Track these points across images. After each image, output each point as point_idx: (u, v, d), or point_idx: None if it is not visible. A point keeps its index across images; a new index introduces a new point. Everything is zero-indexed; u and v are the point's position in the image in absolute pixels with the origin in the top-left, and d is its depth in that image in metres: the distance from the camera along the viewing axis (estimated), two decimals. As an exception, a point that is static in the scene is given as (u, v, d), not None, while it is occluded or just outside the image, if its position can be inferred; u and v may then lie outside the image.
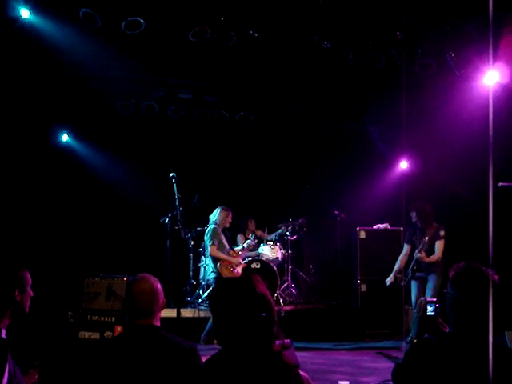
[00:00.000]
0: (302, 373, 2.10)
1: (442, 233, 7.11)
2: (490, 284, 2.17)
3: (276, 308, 2.18)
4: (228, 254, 7.77)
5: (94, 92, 8.74)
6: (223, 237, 7.81)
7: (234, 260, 7.77)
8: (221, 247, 7.67)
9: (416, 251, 7.06)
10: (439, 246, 7.07)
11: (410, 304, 7.46)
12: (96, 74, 8.29)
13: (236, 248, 8.16)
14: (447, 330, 2.87)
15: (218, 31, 7.24)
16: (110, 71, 8.41)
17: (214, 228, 7.67)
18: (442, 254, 7.04)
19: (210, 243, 7.58)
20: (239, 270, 7.81)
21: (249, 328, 2.04)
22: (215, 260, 7.61)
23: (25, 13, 6.69)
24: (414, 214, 7.33)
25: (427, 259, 7.00)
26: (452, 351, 2.28)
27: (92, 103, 8.86)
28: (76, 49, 7.23)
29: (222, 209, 7.80)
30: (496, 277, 2.35)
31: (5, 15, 6.64)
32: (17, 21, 6.71)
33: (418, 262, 7.11)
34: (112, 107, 8.93)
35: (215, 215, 7.77)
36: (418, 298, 7.07)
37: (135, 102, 8.93)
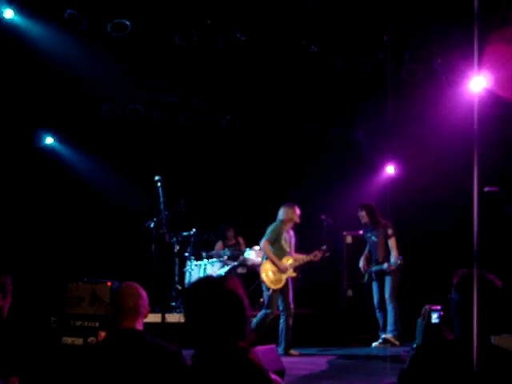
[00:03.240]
0: (273, 376, 2.07)
1: (389, 231, 7.44)
2: (475, 290, 2.16)
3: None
4: (282, 257, 7.07)
5: (79, 94, 8.64)
6: (287, 237, 7.12)
7: (280, 264, 6.96)
8: (276, 246, 7.02)
9: (385, 265, 7.35)
10: (392, 244, 7.41)
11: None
12: (81, 76, 8.21)
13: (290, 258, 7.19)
14: (451, 337, 2.88)
15: (205, 34, 7.21)
16: (95, 73, 8.32)
17: (278, 225, 7.07)
18: (397, 250, 7.38)
19: (265, 237, 7.03)
20: (283, 277, 6.97)
21: (217, 326, 1.99)
22: (264, 255, 7.16)
23: (8, 13, 6.60)
24: (363, 214, 7.61)
25: (393, 266, 7.29)
26: (459, 355, 2.29)
27: (77, 106, 8.76)
28: (61, 50, 7.17)
29: (287, 206, 7.14)
30: (499, 283, 2.39)
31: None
32: (0, 21, 6.64)
33: (377, 263, 7.48)
34: (97, 110, 8.83)
35: (281, 214, 7.12)
36: (379, 297, 7.49)
37: (121, 104, 8.84)
